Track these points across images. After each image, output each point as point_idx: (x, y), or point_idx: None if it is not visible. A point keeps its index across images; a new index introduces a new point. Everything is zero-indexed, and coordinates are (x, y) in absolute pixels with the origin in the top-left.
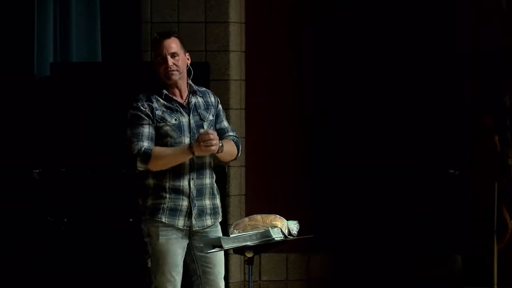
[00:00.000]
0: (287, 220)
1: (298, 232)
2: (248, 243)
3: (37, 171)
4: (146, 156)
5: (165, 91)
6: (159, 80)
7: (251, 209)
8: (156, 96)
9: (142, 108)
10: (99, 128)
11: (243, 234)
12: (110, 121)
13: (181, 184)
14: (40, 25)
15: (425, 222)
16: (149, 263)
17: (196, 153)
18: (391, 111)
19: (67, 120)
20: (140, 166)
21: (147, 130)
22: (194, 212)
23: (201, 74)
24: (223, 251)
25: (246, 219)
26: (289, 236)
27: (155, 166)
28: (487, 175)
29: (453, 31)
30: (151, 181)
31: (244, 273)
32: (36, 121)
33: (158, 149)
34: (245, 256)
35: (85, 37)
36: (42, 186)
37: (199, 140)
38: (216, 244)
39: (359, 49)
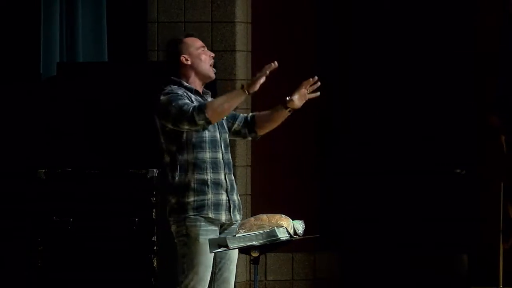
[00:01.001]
0: (293, 219)
1: (304, 231)
2: (254, 242)
3: (43, 171)
4: (202, 105)
5: (194, 87)
6: (176, 78)
7: (256, 209)
8: (186, 91)
9: (179, 91)
10: (105, 128)
11: (249, 234)
12: (116, 121)
13: (220, 178)
14: (46, 25)
15: (431, 222)
16: (155, 263)
17: (251, 90)
18: (398, 111)
19: (73, 120)
20: (200, 120)
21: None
22: (232, 205)
23: None
24: (237, 249)
25: (252, 218)
26: (294, 236)
27: (213, 111)
28: (494, 174)
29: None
30: (191, 177)
31: (250, 272)
32: (42, 121)
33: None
34: (251, 255)
35: (91, 37)
36: (48, 186)
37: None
38: (222, 243)
39: (368, 49)
